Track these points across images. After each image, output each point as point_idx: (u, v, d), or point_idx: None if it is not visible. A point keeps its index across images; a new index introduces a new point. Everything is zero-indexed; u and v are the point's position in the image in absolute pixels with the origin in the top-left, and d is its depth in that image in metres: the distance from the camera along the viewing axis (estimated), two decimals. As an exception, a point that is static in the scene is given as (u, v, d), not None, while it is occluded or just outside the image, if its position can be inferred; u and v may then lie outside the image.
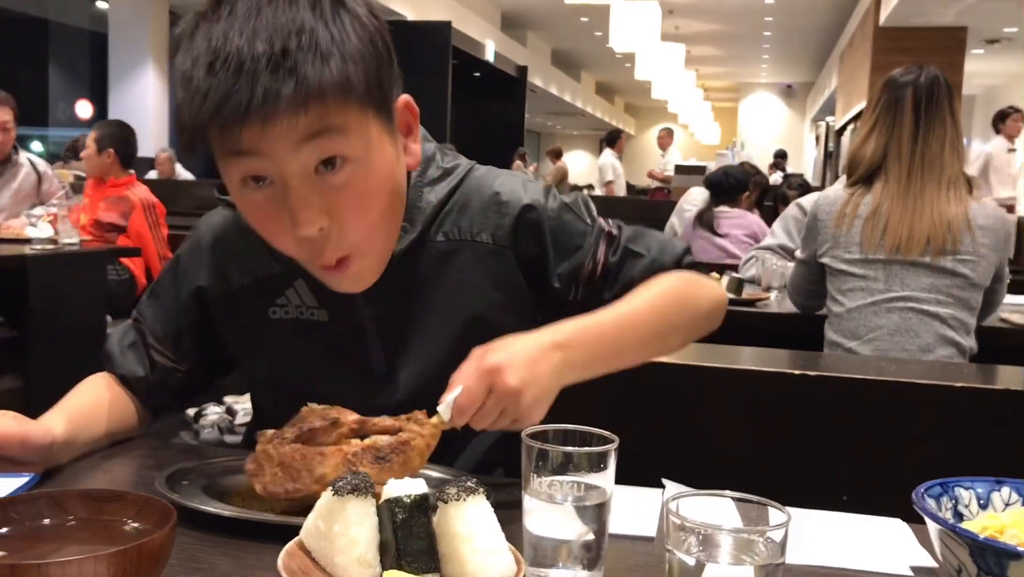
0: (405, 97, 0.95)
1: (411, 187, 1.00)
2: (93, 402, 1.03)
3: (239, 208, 0.91)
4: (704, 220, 3.92)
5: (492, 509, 0.69)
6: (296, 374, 1.03)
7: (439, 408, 0.84)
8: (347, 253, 0.90)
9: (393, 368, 1.01)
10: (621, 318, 0.95)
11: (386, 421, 0.88)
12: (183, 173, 8.96)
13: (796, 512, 0.86)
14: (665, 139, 11.44)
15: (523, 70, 14.52)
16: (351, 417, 0.88)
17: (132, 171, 4.15)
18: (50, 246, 3.31)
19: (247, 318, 1.04)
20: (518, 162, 12.37)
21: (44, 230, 3.54)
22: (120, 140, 4.06)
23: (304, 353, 1.02)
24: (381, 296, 0.99)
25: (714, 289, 1.07)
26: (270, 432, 0.86)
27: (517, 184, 1.04)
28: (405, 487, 0.69)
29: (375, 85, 0.86)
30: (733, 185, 3.95)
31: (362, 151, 0.87)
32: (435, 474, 0.94)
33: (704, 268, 1.11)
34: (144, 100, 10.97)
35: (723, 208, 3.92)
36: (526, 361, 0.83)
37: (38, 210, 3.99)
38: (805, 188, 4.82)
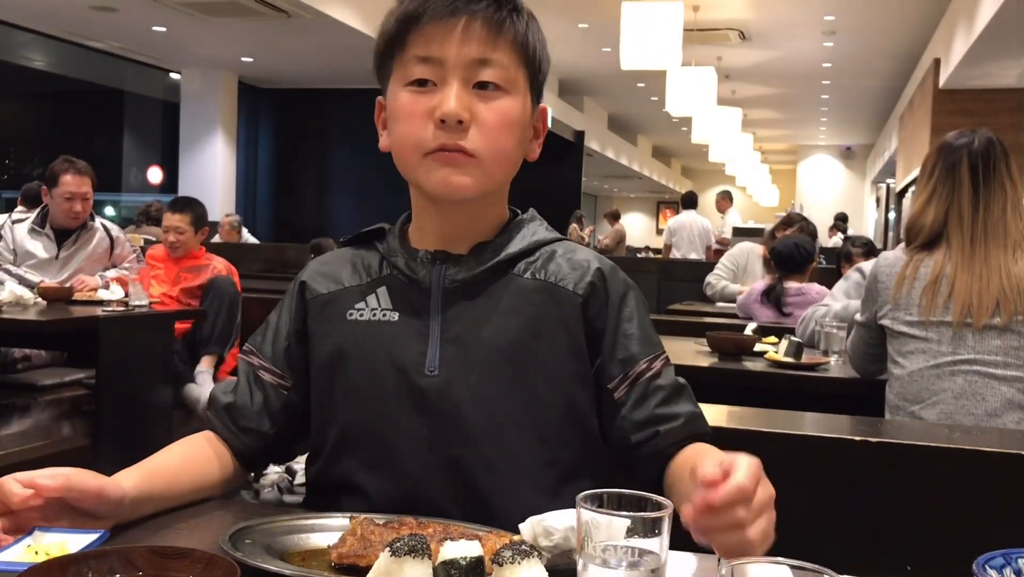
0: (545, 106, 1.14)
1: (515, 220, 1.14)
2: (179, 459, 1.08)
3: (396, 108, 1.05)
4: (772, 297, 3.83)
5: (547, 572, 0.70)
6: (354, 364, 1.08)
7: (520, 525, 0.86)
8: (473, 153, 1.02)
9: (446, 368, 1.05)
10: None
11: (470, 529, 0.91)
12: (249, 238, 9.20)
13: (856, 582, 0.85)
14: (722, 202, 11.38)
15: (580, 135, 14.66)
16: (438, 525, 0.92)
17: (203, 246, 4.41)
18: (120, 308, 3.42)
19: (329, 318, 1.11)
20: (574, 225, 12.42)
21: (115, 292, 3.67)
22: (206, 218, 4.32)
23: (367, 345, 1.08)
24: (456, 304, 1.06)
25: None
26: (362, 516, 0.91)
27: (607, 263, 1.14)
28: (461, 549, 0.70)
29: (538, 65, 1.09)
30: (804, 257, 3.84)
31: (512, 94, 1.05)
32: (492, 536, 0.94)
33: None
34: (213, 167, 11.33)
35: (788, 285, 3.83)
36: None
37: (111, 272, 4.15)
38: (870, 247, 4.71)
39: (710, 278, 5.15)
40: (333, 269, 1.15)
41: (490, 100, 1.03)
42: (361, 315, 1.09)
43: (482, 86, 1.03)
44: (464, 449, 1.04)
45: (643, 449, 1.07)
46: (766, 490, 0.79)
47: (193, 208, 4.26)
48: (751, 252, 5.01)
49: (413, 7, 1.03)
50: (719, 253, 10.05)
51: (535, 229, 1.13)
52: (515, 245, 1.10)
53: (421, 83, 1.03)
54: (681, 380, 1.12)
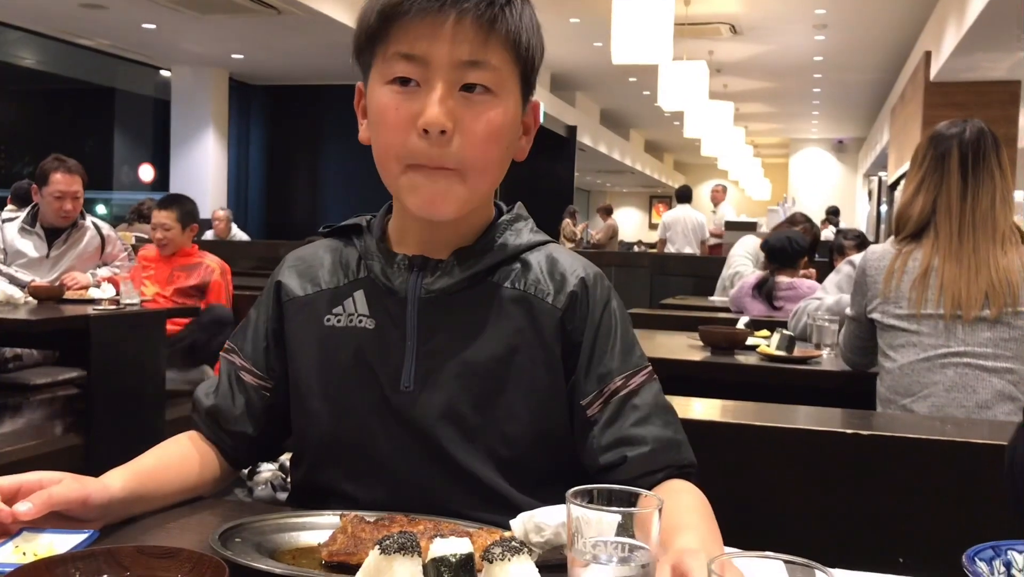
0: (536, 100, 1.08)
1: (498, 223, 1.08)
2: (167, 459, 1.07)
3: (375, 108, 0.99)
4: (764, 290, 3.84)
5: (536, 569, 0.69)
6: (331, 374, 1.06)
7: (511, 522, 0.85)
8: (455, 167, 0.97)
9: (420, 384, 1.03)
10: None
11: (460, 526, 0.91)
12: (239, 234, 9.18)
13: (850, 575, 0.85)
14: (719, 194, 11.40)
15: (572, 130, 14.66)
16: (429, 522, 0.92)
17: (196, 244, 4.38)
18: (112, 307, 3.41)
19: (305, 322, 1.09)
20: (567, 220, 12.42)
21: (107, 291, 3.66)
22: (195, 214, 4.29)
23: (344, 355, 1.06)
24: (433, 316, 1.03)
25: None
26: (353, 514, 0.90)
27: (592, 272, 1.09)
28: (451, 547, 0.70)
29: (532, 60, 1.02)
30: (797, 251, 3.85)
31: (501, 97, 0.98)
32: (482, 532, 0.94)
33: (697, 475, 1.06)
34: (204, 164, 11.31)
35: (780, 279, 3.84)
36: None
37: (103, 271, 4.14)
38: (862, 240, 4.73)
39: (740, 268, 5.04)
40: (310, 267, 1.11)
41: (477, 107, 0.97)
42: (338, 321, 1.07)
43: (469, 88, 0.97)
44: (438, 465, 1.02)
45: (612, 475, 1.01)
46: None
47: (181, 204, 4.25)
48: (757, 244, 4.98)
49: (394, 3, 0.95)
50: (715, 248, 10.06)
51: (519, 231, 1.09)
52: (496, 253, 1.06)
53: (403, 81, 0.97)
54: (663, 401, 1.06)
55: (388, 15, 0.96)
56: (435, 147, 0.96)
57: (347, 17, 8.47)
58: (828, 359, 2.55)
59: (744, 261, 4.98)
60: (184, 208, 4.23)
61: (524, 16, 1.00)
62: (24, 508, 0.85)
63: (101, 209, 14.84)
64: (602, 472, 1.02)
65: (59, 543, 0.83)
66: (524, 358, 1.03)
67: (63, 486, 0.89)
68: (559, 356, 1.05)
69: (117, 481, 0.96)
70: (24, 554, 0.80)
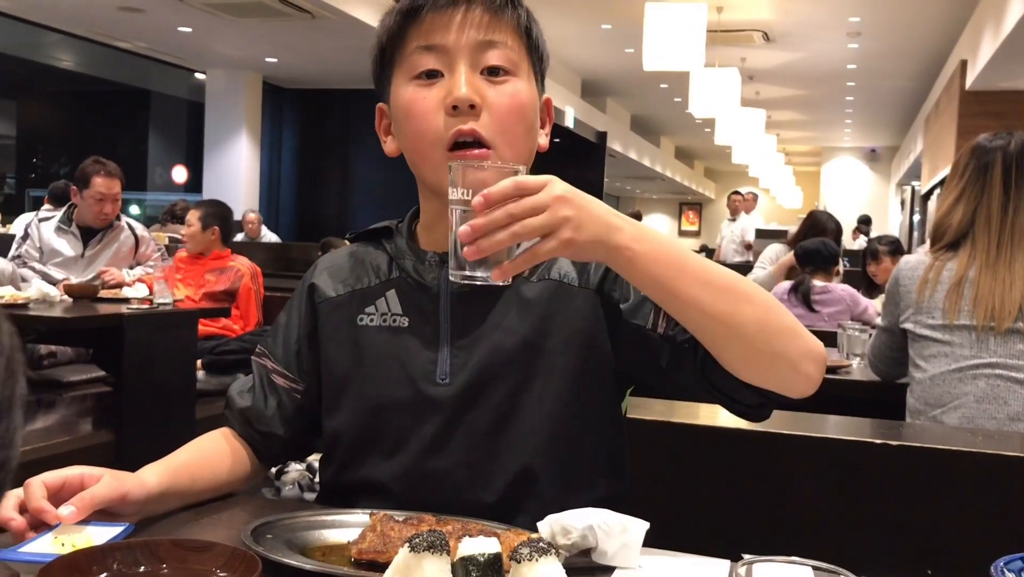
0: (548, 97, 1.13)
1: None
2: (201, 455, 1.09)
3: (403, 104, 1.05)
4: (800, 292, 3.83)
5: (564, 570, 0.70)
6: (366, 373, 1.08)
7: (539, 524, 0.86)
8: (488, 142, 1.01)
9: (455, 377, 1.05)
10: (689, 252, 0.94)
11: (489, 527, 0.92)
12: (269, 236, 9.27)
13: (874, 584, 0.85)
14: (750, 203, 11.29)
15: (603, 136, 14.63)
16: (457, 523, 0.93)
17: (229, 248, 4.39)
18: (145, 306, 3.46)
19: (339, 323, 1.12)
20: (597, 226, 12.36)
21: (140, 290, 3.71)
22: (222, 219, 4.33)
23: (378, 353, 1.08)
24: (465, 309, 1.06)
25: (811, 338, 1.02)
26: (381, 513, 0.92)
27: None
28: (479, 546, 0.71)
29: (541, 52, 1.09)
30: (830, 256, 3.87)
31: (520, 77, 1.05)
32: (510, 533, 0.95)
33: None
34: (237, 166, 11.41)
35: (814, 282, 3.83)
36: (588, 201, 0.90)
37: (137, 271, 4.20)
38: (896, 246, 4.70)
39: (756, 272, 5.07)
40: (342, 270, 1.15)
41: (499, 86, 1.03)
42: (371, 320, 1.09)
43: (491, 73, 1.03)
44: (477, 455, 1.04)
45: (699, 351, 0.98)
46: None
47: (206, 206, 4.36)
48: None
49: (410, 2, 1.04)
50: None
51: None
52: None
53: (428, 75, 1.03)
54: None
55: (403, 16, 1.05)
56: (466, 121, 1.01)
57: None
58: (858, 369, 2.53)
59: (762, 265, 5.01)
60: (208, 210, 4.30)
61: (530, 14, 1.09)
62: (67, 512, 0.87)
63: (135, 209, 15.06)
64: (690, 358, 1.00)
65: (97, 535, 0.85)
66: (557, 340, 1.05)
67: (103, 485, 0.92)
68: (596, 328, 1.06)
69: (153, 477, 0.98)
70: (63, 545, 0.82)
